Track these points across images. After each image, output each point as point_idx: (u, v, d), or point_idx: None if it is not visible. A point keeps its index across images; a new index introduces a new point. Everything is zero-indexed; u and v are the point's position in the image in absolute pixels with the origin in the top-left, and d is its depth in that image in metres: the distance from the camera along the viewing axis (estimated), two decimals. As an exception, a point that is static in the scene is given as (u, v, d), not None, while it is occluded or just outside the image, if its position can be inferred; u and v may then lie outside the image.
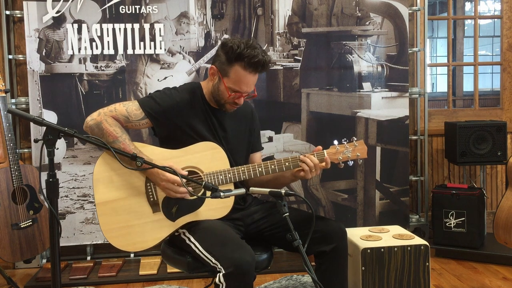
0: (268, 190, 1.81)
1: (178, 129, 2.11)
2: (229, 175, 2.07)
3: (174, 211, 2.06)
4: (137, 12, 3.33)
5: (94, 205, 3.33)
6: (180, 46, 3.38)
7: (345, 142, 2.13)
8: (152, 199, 2.05)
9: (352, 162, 2.15)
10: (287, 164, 2.09)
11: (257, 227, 2.19)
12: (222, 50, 2.07)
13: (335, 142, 2.13)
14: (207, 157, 2.08)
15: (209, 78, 2.14)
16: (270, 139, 3.46)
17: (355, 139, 2.15)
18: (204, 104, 2.16)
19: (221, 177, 2.07)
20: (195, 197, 2.03)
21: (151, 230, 2.04)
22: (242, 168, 2.08)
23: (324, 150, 2.12)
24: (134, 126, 2.11)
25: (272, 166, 2.09)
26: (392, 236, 2.48)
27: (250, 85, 2.08)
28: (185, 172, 2.00)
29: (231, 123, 2.22)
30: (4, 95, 2.97)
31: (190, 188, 2.01)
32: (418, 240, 2.41)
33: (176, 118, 2.10)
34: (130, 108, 2.08)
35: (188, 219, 2.06)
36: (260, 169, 2.09)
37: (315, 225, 2.04)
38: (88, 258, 3.47)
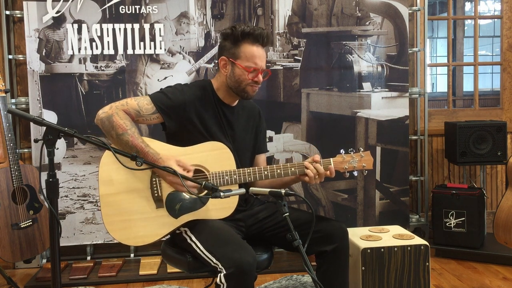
0: (268, 190, 1.81)
1: (188, 125, 2.12)
2: (235, 177, 2.07)
3: (177, 208, 2.06)
4: (137, 12, 3.33)
5: (94, 204, 3.35)
6: (180, 46, 3.38)
7: (352, 152, 2.15)
8: (156, 195, 2.05)
9: (357, 172, 2.16)
10: (293, 169, 2.10)
11: (259, 227, 2.20)
12: (225, 39, 2.13)
13: (342, 151, 2.15)
14: (214, 156, 2.09)
15: (221, 72, 2.16)
16: (270, 139, 3.46)
17: (362, 149, 2.17)
18: (214, 101, 2.17)
19: (227, 177, 2.07)
20: (195, 197, 2.04)
21: (153, 225, 2.04)
22: (248, 170, 2.08)
23: (331, 159, 2.13)
24: (144, 121, 2.11)
25: (278, 171, 2.10)
26: (392, 236, 2.48)
27: (262, 59, 2.12)
28: (191, 168, 2.01)
29: (239, 122, 2.24)
30: (4, 95, 2.97)
31: (196, 185, 1.98)
32: (418, 240, 2.40)
33: (187, 113, 2.11)
34: (142, 102, 2.08)
35: (190, 217, 2.06)
36: (266, 172, 2.09)
37: (317, 225, 2.05)
38: (88, 258, 3.47)
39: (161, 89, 2.16)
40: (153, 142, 2.09)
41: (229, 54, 2.11)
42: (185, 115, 2.11)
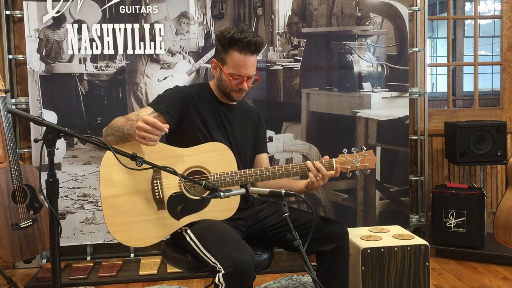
0: (268, 190, 1.81)
1: (187, 120, 2.14)
2: (236, 178, 2.07)
3: (179, 209, 2.06)
4: (137, 12, 3.33)
5: (94, 204, 3.35)
6: (180, 46, 3.38)
7: (354, 151, 2.12)
8: (157, 197, 2.05)
9: (360, 172, 2.14)
10: (294, 170, 2.10)
11: (259, 227, 2.20)
12: (217, 41, 2.16)
13: (344, 150, 2.12)
14: (215, 157, 2.09)
15: (213, 73, 2.21)
16: (270, 139, 3.46)
17: (365, 148, 2.14)
18: (212, 99, 2.22)
19: (228, 178, 2.07)
20: (195, 197, 2.04)
21: (155, 227, 2.04)
22: (250, 171, 2.08)
23: (333, 159, 2.11)
24: None
25: (280, 171, 2.10)
26: (392, 236, 2.48)
27: (248, 68, 2.11)
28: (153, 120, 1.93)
29: (238, 120, 2.26)
30: (4, 95, 2.97)
31: (166, 129, 1.89)
32: (418, 240, 2.40)
33: (185, 108, 2.15)
34: (142, 110, 2.14)
35: (192, 218, 2.06)
36: (267, 173, 2.09)
37: (317, 225, 2.05)
38: (88, 258, 3.47)
39: (158, 95, 2.20)
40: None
41: (218, 57, 2.15)
42: (183, 109, 2.15)
